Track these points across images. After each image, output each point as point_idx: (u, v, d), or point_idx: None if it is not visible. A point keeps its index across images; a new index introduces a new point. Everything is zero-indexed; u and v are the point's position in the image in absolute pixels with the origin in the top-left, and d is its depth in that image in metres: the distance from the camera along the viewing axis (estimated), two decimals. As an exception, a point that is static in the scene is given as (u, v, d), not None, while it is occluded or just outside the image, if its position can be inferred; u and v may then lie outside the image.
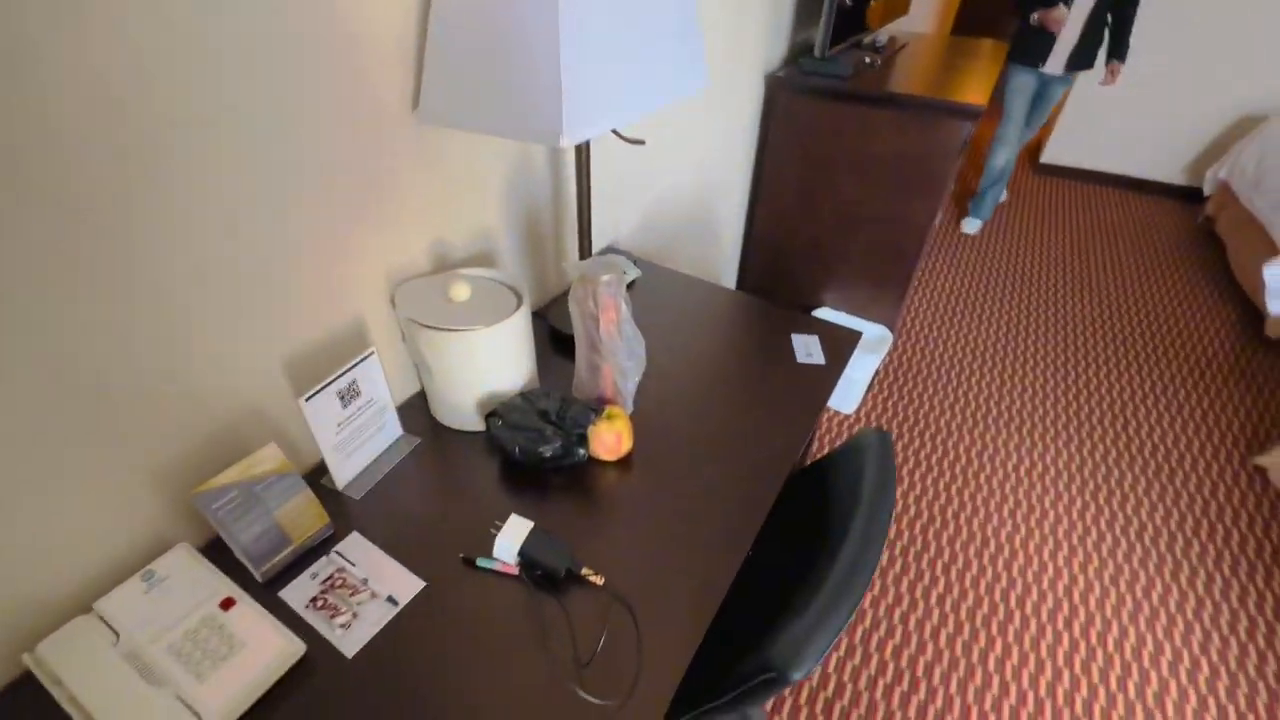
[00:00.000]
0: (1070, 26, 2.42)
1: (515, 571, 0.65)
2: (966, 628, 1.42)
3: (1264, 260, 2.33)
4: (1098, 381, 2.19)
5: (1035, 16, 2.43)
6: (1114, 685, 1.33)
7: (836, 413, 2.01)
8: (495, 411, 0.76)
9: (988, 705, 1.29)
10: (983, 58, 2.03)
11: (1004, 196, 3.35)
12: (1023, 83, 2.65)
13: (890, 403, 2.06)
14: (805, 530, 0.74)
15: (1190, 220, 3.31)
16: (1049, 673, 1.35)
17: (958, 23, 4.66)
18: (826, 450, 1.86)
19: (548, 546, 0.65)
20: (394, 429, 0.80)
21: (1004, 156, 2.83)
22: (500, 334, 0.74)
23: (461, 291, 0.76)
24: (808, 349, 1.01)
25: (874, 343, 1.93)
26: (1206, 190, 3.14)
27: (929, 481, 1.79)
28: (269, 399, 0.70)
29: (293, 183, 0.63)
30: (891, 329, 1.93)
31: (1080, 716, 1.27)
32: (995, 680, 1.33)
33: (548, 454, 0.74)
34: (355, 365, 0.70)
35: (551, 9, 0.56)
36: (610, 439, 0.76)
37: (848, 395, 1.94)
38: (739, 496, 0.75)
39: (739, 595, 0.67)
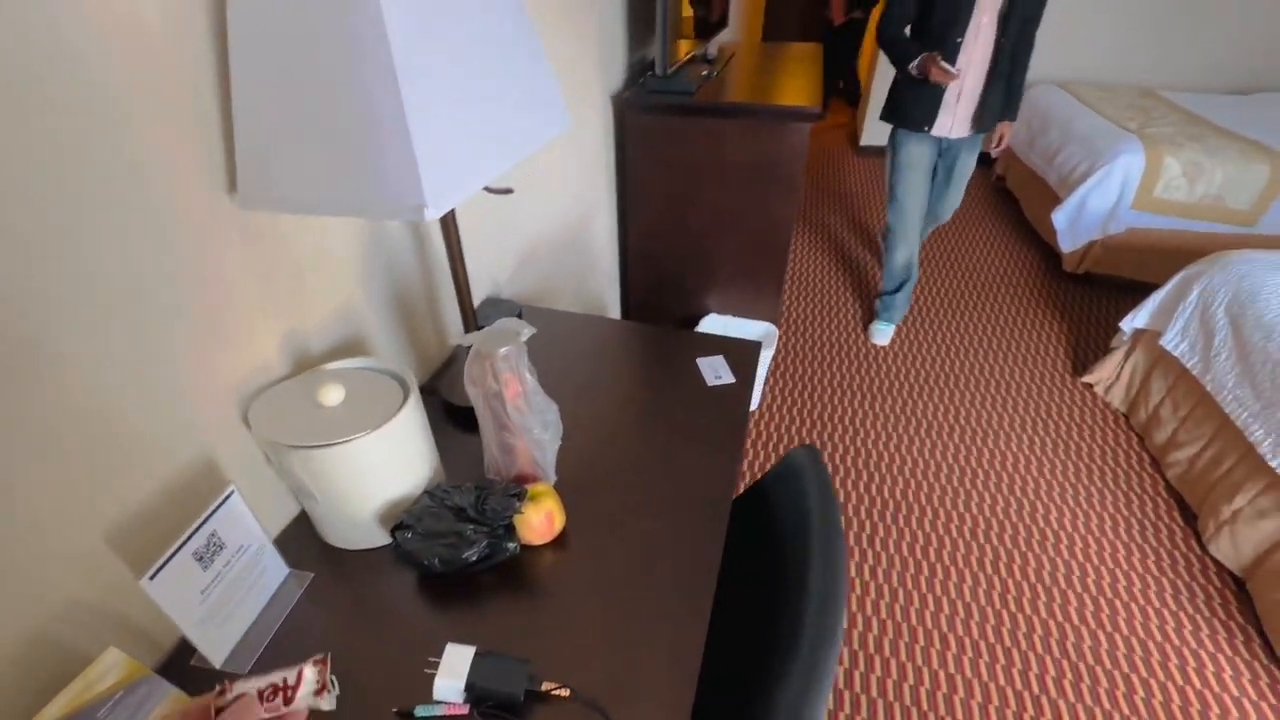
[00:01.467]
0: (969, 77, 1.83)
1: (465, 711, 0.56)
2: (910, 561, 1.50)
3: (1051, 208, 2.74)
4: (945, 331, 2.45)
5: (915, 65, 1.77)
6: (1027, 547, 1.47)
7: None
8: (402, 522, 0.66)
9: (937, 590, 1.37)
10: (804, 60, 2.18)
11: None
12: (913, 154, 1.98)
13: (784, 390, 2.15)
14: (760, 568, 0.72)
15: (987, 181, 3.83)
16: (982, 553, 1.46)
17: (765, 30, 5.06)
18: (749, 452, 1.90)
19: (498, 670, 0.56)
20: (277, 571, 0.66)
21: (903, 254, 2.15)
22: (391, 435, 0.64)
23: (333, 393, 0.64)
24: (716, 371, 1.00)
25: (763, 339, 1.99)
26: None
27: (833, 452, 1.88)
28: (95, 587, 0.54)
29: (84, 313, 0.49)
30: (775, 323, 2.01)
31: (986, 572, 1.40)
32: (940, 568, 1.42)
33: (473, 558, 0.65)
34: (211, 514, 0.57)
35: (388, 73, 0.48)
36: (540, 522, 0.69)
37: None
38: (687, 548, 0.71)
39: (713, 660, 0.63)
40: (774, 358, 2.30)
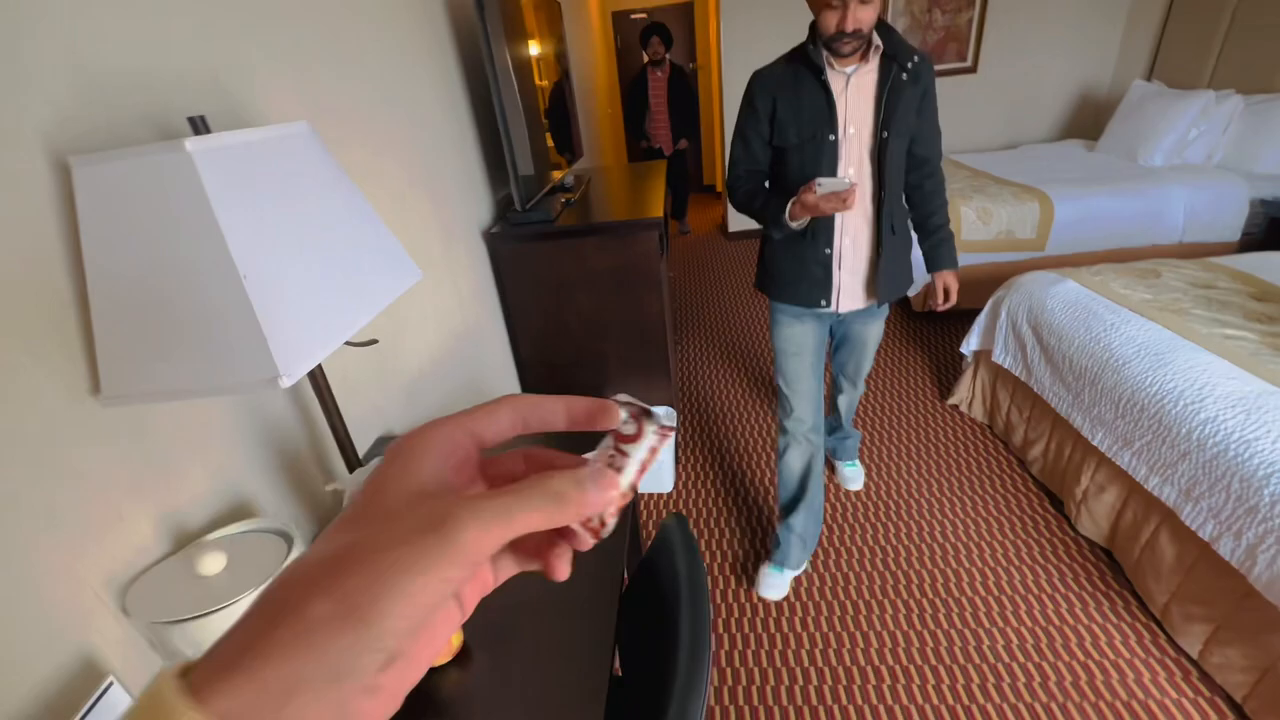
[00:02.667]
0: (848, 238, 1.41)
1: None
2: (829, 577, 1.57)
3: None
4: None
5: (789, 217, 1.33)
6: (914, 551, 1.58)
7: (660, 495, 2.13)
8: (296, 676, 0.67)
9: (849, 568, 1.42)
10: (649, 176, 2.50)
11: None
12: (793, 338, 1.54)
13: (694, 464, 2.26)
14: (650, 632, 0.78)
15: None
16: (883, 580, 1.54)
17: (630, 153, 5.67)
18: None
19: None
20: (167, 760, 0.65)
21: (798, 460, 1.63)
22: (275, 590, 0.67)
23: (213, 563, 0.67)
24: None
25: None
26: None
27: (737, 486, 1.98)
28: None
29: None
30: (672, 405, 2.16)
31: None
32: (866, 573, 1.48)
33: (373, 693, 0.67)
34: (86, 713, 0.57)
35: (223, 258, 0.58)
36: (437, 642, 0.72)
37: (661, 477, 2.08)
38: (586, 640, 0.76)
39: (616, 735, 0.67)
40: (680, 438, 2.43)
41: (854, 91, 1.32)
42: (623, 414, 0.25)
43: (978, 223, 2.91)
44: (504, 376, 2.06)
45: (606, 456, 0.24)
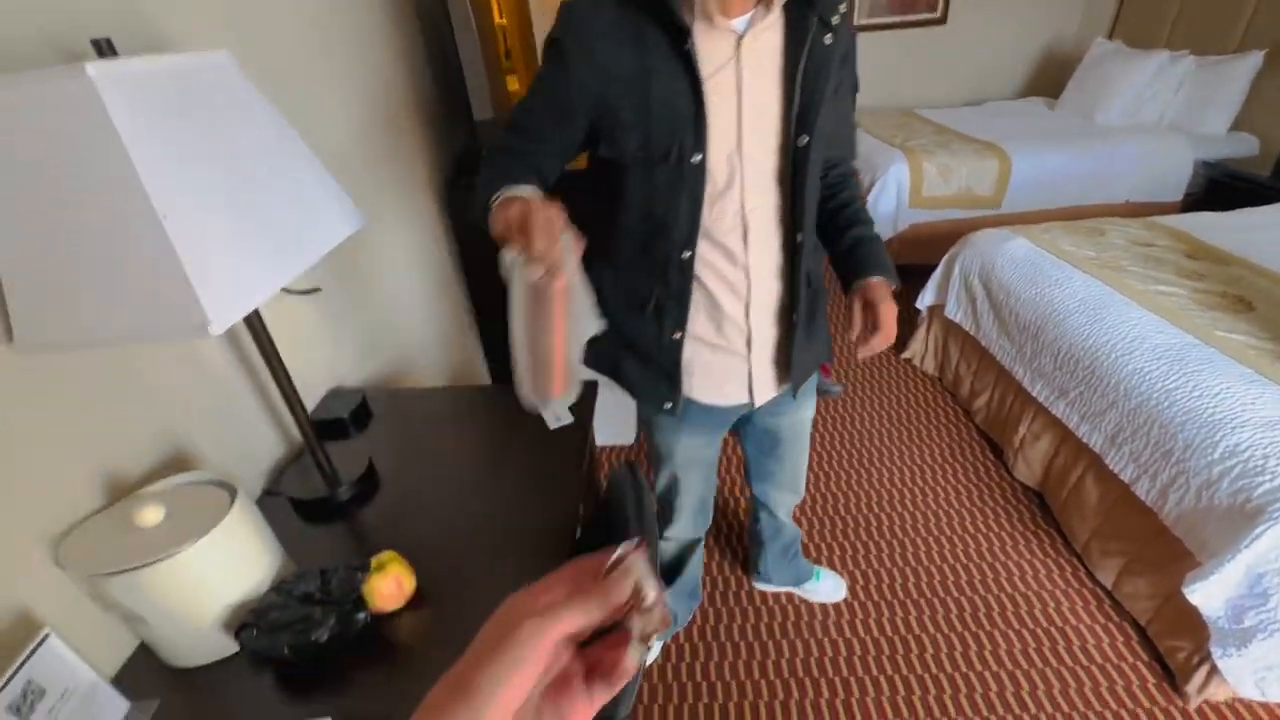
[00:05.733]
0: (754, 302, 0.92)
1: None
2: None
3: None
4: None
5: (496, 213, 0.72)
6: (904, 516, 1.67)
7: (622, 446, 2.17)
8: (245, 623, 0.68)
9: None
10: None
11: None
12: (679, 448, 1.11)
13: (660, 419, 2.29)
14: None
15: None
16: (835, 525, 1.64)
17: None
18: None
19: (355, 734, 0.60)
20: (115, 708, 0.65)
21: (672, 547, 1.32)
22: (217, 543, 0.66)
23: (151, 514, 0.66)
24: (556, 414, 1.10)
25: (625, 376, 2.13)
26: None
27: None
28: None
29: None
30: (634, 359, 2.16)
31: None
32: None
33: (324, 638, 0.68)
34: (24, 662, 0.56)
35: (138, 197, 0.54)
36: (389, 588, 0.73)
37: (626, 428, 2.11)
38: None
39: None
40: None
41: (748, 65, 0.77)
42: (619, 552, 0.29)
43: (938, 178, 2.93)
44: (465, 327, 2.03)
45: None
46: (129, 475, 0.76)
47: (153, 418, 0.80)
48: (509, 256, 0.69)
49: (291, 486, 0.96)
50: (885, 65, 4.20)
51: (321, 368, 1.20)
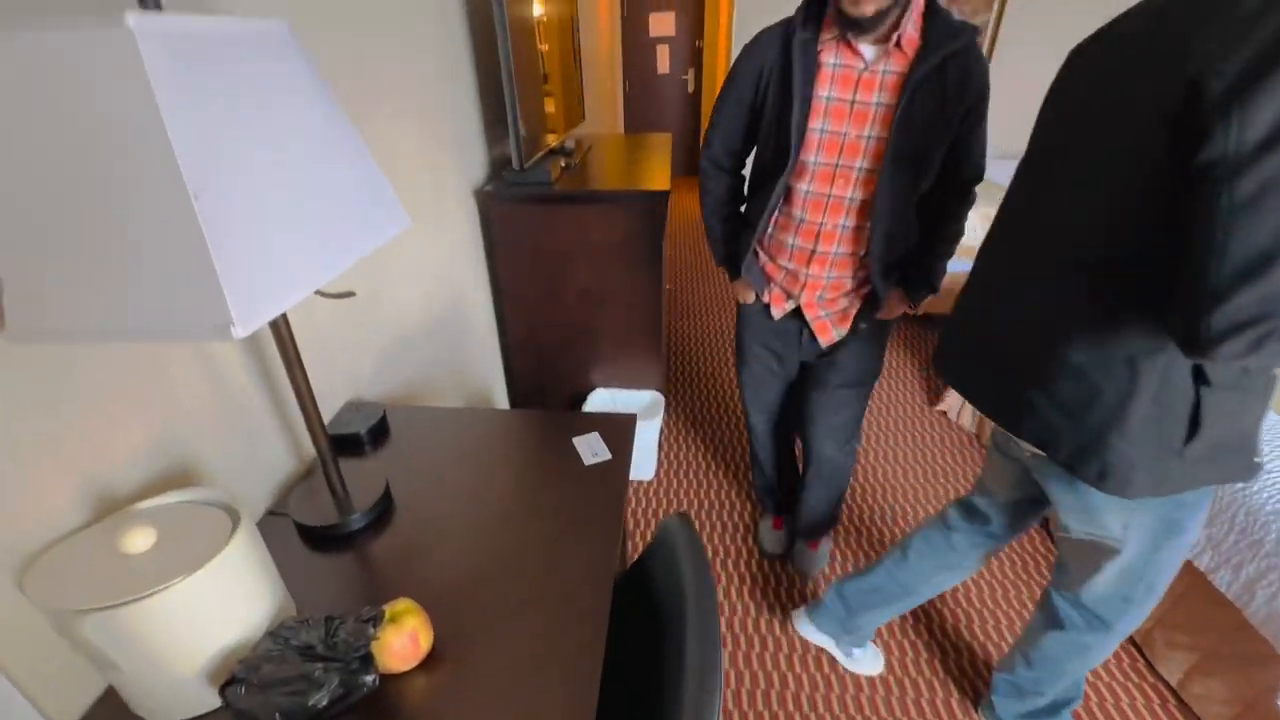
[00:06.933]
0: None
1: None
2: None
3: (887, 261, 3.11)
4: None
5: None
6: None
7: (639, 482, 2.06)
8: (234, 676, 0.57)
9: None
10: (655, 149, 2.38)
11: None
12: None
13: (678, 454, 2.19)
14: (646, 647, 0.70)
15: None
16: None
17: (627, 123, 5.51)
18: (644, 522, 1.88)
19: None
20: (69, 770, 0.55)
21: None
22: (213, 579, 0.56)
23: (139, 538, 0.56)
24: (593, 449, 1.00)
25: (650, 407, 2.03)
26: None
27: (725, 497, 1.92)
28: None
29: None
30: (660, 390, 2.07)
31: (916, 677, 1.44)
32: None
33: (323, 702, 0.57)
34: (-36, 717, 0.46)
35: (169, 169, 0.46)
36: (403, 645, 0.63)
37: (643, 463, 2.00)
38: (572, 643, 0.67)
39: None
40: (666, 424, 2.35)
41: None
42: None
43: (980, 228, 2.86)
44: (487, 348, 1.95)
45: None
46: (118, 487, 0.67)
47: (151, 420, 0.71)
48: None
49: (300, 508, 0.86)
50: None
51: (341, 377, 1.12)
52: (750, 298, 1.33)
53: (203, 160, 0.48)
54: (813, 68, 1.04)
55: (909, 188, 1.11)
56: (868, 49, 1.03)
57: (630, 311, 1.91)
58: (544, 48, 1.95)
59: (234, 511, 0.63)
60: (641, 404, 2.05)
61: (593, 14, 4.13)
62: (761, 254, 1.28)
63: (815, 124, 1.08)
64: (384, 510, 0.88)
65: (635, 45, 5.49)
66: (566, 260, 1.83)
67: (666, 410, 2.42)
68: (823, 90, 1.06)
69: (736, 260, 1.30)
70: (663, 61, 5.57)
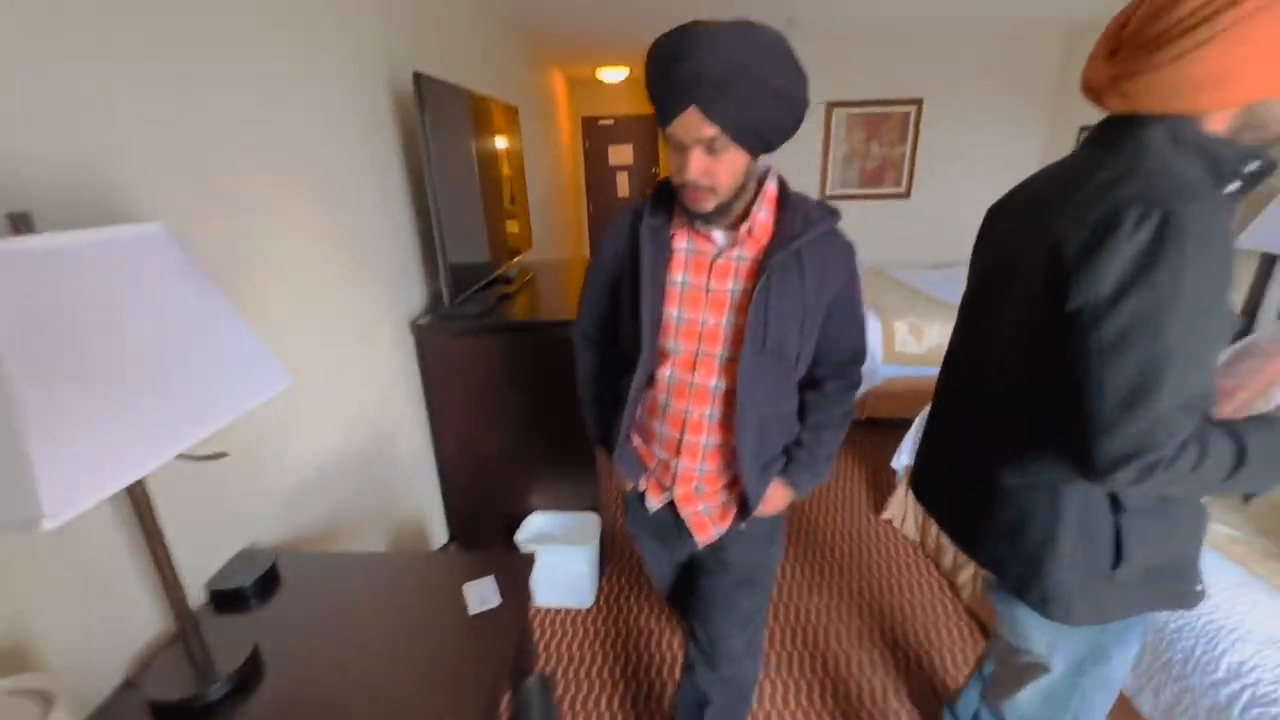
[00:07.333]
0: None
1: None
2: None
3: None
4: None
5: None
6: None
7: (577, 610, 1.97)
8: None
9: None
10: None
11: None
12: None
13: (618, 579, 2.12)
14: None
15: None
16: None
17: (591, 242, 5.86)
18: (571, 656, 1.77)
19: None
20: None
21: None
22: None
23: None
24: (482, 596, 0.98)
25: (588, 530, 2.00)
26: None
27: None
28: None
29: None
30: (598, 510, 2.05)
31: None
32: None
33: None
34: None
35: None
36: None
37: (581, 590, 1.93)
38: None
39: None
40: (604, 547, 2.29)
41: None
42: None
43: (909, 337, 3.03)
44: (423, 476, 1.93)
45: None
46: (-65, 677, 0.64)
47: (-7, 599, 0.69)
48: None
49: (156, 679, 0.82)
50: (854, 229, 4.53)
51: (235, 522, 1.11)
52: (628, 485, 1.18)
53: (24, 358, 0.52)
54: (665, 252, 0.99)
55: (776, 375, 1.01)
56: (719, 235, 0.98)
57: (567, 435, 1.94)
58: (484, 183, 2.12)
59: (48, 695, 0.60)
60: (578, 526, 2.02)
61: (557, 147, 4.53)
62: (635, 437, 1.15)
63: (671, 309, 1.00)
64: (249, 676, 0.84)
65: (597, 173, 5.97)
66: (500, 388, 1.88)
67: (604, 532, 2.37)
68: (676, 275, 0.99)
69: (611, 442, 1.14)
70: (622, 186, 6.04)
